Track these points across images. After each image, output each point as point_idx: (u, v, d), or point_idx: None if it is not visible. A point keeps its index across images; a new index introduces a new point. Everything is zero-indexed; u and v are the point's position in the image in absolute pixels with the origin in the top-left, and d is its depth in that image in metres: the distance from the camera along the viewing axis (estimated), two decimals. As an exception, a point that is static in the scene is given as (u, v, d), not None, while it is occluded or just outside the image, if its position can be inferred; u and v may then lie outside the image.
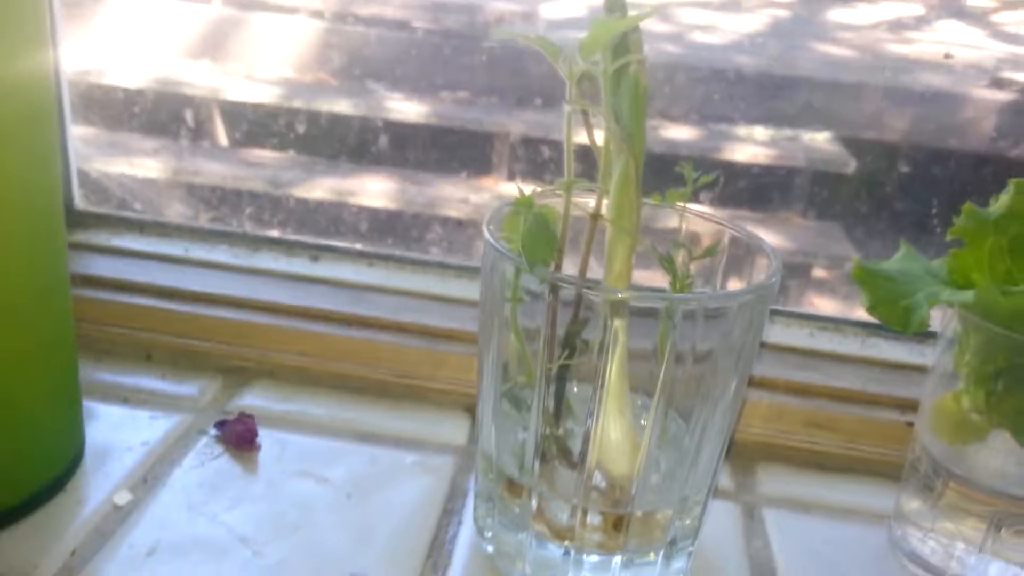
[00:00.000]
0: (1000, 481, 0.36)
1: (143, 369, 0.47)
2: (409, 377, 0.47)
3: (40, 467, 0.37)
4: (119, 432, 0.42)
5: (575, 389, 0.37)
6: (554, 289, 0.32)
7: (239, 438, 0.41)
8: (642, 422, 0.35)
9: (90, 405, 0.43)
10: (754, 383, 0.46)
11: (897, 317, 0.34)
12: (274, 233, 0.54)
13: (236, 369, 0.48)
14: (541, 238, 0.32)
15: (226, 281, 0.51)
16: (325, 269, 0.53)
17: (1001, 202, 0.35)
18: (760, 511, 0.41)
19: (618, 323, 0.33)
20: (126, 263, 0.52)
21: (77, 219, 0.55)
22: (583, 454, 0.34)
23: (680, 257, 0.36)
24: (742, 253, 0.36)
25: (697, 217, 0.38)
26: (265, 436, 0.42)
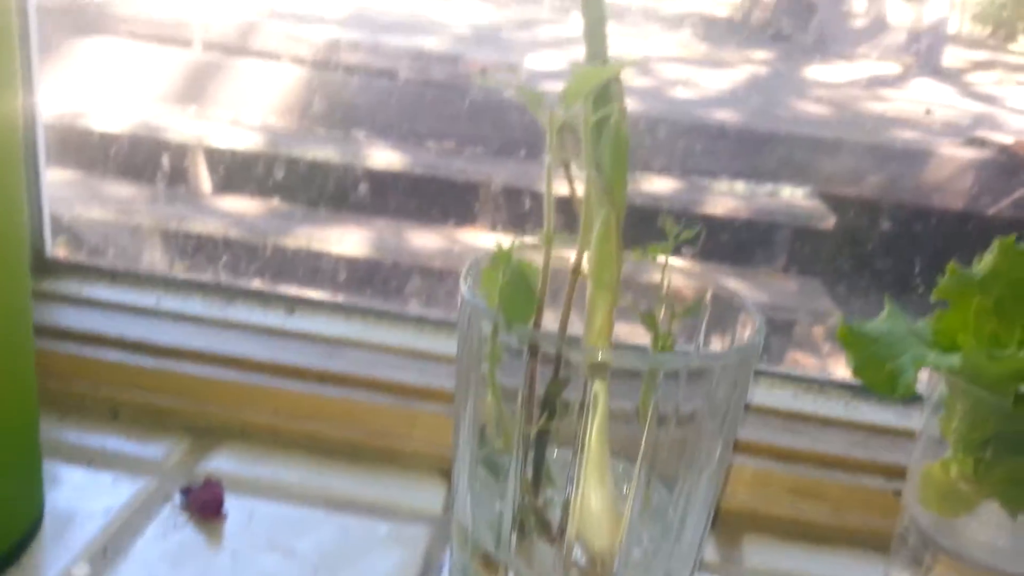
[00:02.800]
0: (991, 556, 0.35)
1: (109, 428, 0.45)
2: (383, 436, 0.46)
3: (-8, 536, 0.35)
4: (81, 498, 0.40)
5: (555, 454, 0.35)
6: (533, 348, 0.31)
7: (204, 507, 0.39)
8: (624, 491, 0.33)
9: (52, 467, 0.41)
10: (739, 448, 0.45)
11: (883, 381, 0.33)
12: (250, 284, 0.53)
13: (204, 428, 0.46)
14: (520, 294, 0.31)
15: (198, 334, 0.49)
16: (300, 322, 0.51)
17: (985, 262, 0.35)
18: (746, 583, 0.40)
19: (598, 385, 0.32)
20: (96, 314, 0.50)
21: (48, 267, 0.54)
22: (562, 527, 0.32)
23: (662, 314, 0.36)
24: (725, 310, 0.35)
25: (679, 272, 0.37)
26: (233, 503, 0.41)
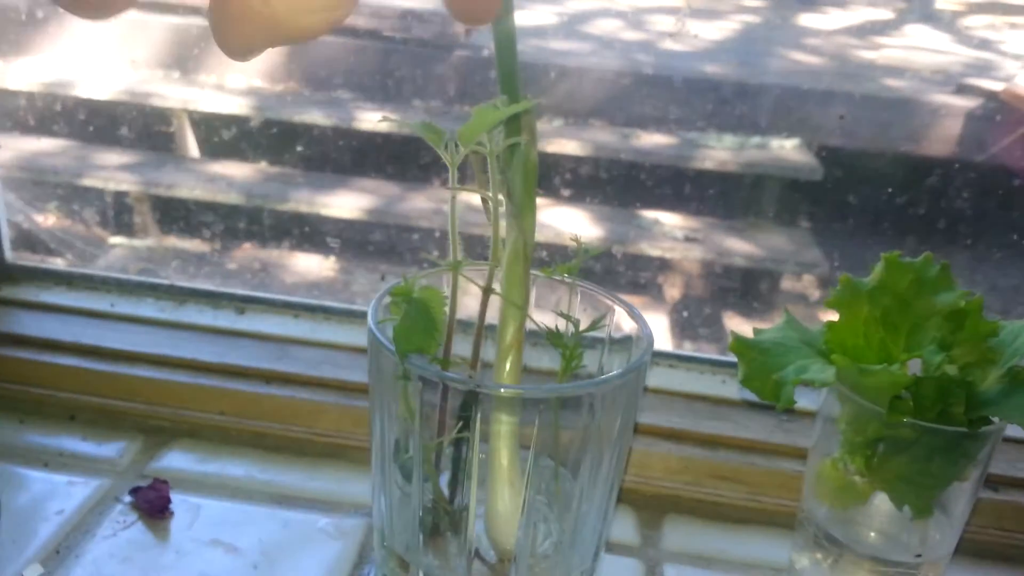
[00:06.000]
0: (879, 546, 0.37)
1: (65, 430, 0.48)
2: (327, 435, 0.48)
3: (-52, 545, 0.38)
4: (36, 500, 0.43)
5: (483, 455, 0.38)
6: (442, 383, 0.33)
7: (151, 506, 0.42)
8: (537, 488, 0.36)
9: (10, 469, 0.44)
10: (663, 434, 0.47)
11: (769, 390, 0.35)
12: (202, 286, 0.55)
13: (156, 429, 0.48)
14: (419, 326, 0.33)
15: (150, 337, 0.51)
16: (250, 322, 0.53)
17: (874, 274, 0.37)
18: (662, 568, 0.42)
19: (505, 408, 0.34)
20: (53, 320, 0.52)
21: (7, 272, 0.56)
22: (464, 527, 0.35)
23: (568, 331, 0.37)
24: (626, 324, 0.37)
25: (586, 290, 0.39)
26: (179, 501, 0.43)
